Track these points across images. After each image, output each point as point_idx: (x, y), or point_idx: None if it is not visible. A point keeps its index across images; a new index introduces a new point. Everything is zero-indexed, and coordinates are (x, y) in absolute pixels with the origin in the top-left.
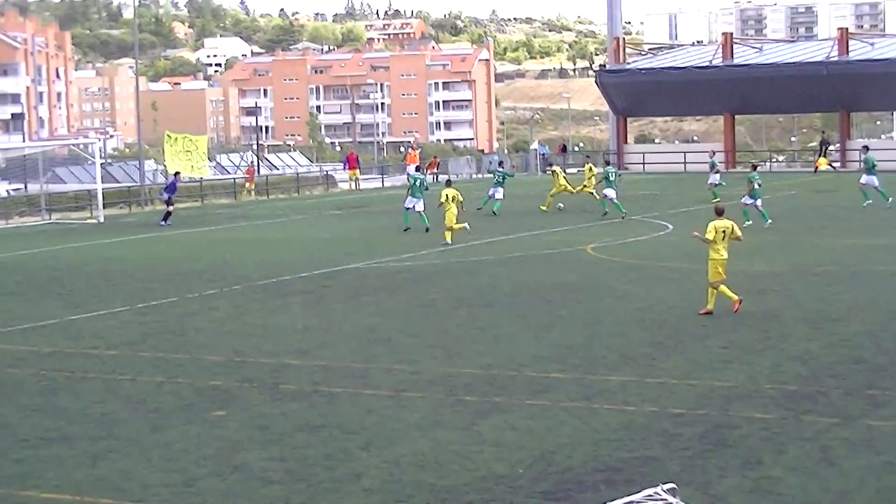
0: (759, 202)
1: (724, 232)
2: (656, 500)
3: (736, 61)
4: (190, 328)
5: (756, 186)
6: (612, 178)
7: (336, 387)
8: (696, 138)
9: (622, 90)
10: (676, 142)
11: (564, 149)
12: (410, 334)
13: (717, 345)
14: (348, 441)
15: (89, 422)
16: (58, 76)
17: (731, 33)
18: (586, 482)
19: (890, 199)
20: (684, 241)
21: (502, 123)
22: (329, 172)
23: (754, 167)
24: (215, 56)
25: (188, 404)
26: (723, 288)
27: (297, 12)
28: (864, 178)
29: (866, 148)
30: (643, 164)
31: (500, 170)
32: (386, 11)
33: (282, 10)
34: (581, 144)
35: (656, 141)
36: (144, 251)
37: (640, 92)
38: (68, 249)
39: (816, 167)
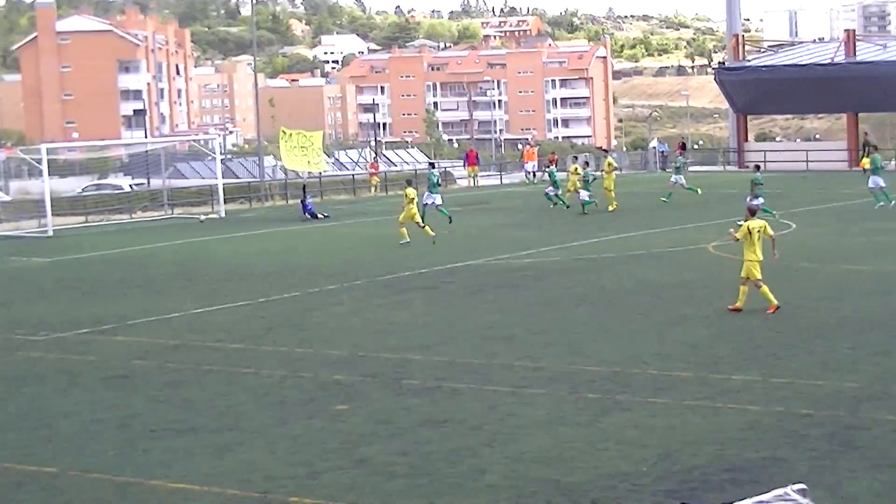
0: (760, 201)
1: (757, 232)
2: (786, 500)
3: (859, 58)
4: (312, 323)
5: (759, 186)
6: (589, 181)
7: (458, 382)
8: (817, 136)
9: (742, 88)
10: (798, 140)
11: (684, 146)
12: (532, 331)
13: (844, 345)
14: (471, 437)
15: (215, 414)
16: (178, 73)
17: (854, 30)
18: (712, 481)
19: (893, 201)
20: (808, 240)
21: (620, 121)
22: (447, 169)
23: (757, 167)
24: (332, 53)
25: (311, 398)
26: (764, 289)
27: (412, 9)
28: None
29: (875, 147)
30: (764, 162)
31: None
32: (502, 9)
33: (398, 7)
34: (701, 142)
35: (777, 139)
36: (265, 246)
37: (760, 89)
38: (191, 244)
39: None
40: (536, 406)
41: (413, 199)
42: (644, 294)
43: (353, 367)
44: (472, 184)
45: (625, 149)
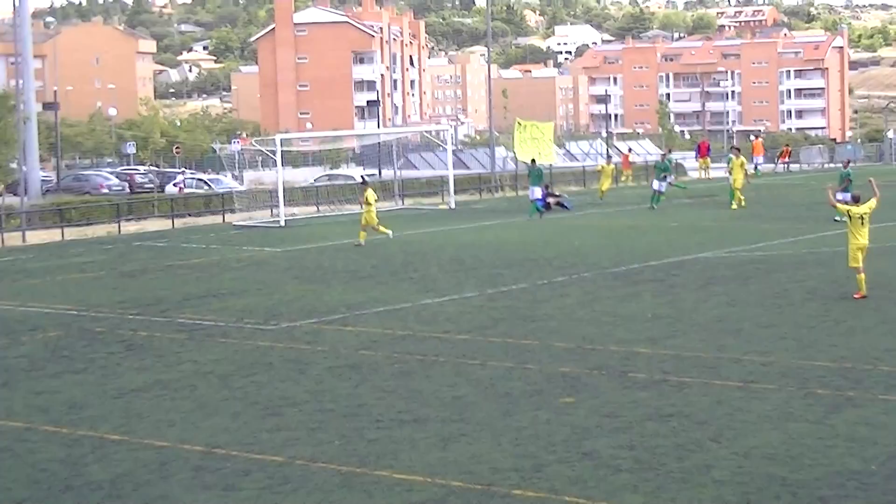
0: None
1: (860, 218)
2: None
3: None
4: (540, 314)
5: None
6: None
7: (685, 376)
8: None
9: None
10: None
11: None
12: (761, 325)
13: None
14: (698, 431)
15: (441, 405)
16: (412, 64)
17: None
18: None
19: None
20: None
21: (855, 112)
22: (678, 161)
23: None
24: (565, 44)
25: (537, 390)
26: (860, 276)
27: (647, 0)
28: None
29: None
30: None
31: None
32: None
33: None
34: None
35: None
36: (495, 237)
37: None
38: (421, 234)
39: None
40: (765, 401)
41: (372, 202)
42: (878, 289)
43: (580, 359)
44: (703, 175)
45: (860, 140)
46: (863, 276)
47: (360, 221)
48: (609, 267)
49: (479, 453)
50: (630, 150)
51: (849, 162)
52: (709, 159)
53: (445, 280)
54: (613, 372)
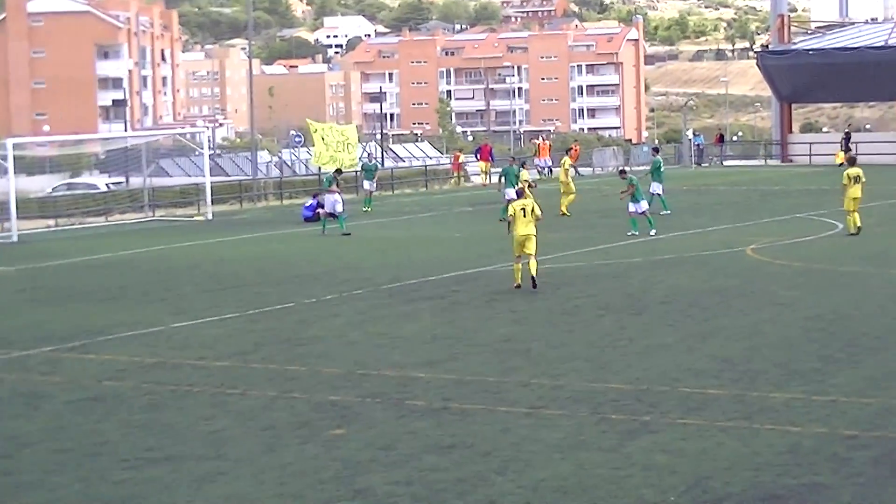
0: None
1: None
2: None
3: None
4: (307, 337)
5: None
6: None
7: (468, 403)
8: (868, 127)
9: (787, 73)
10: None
11: (722, 139)
12: (551, 345)
13: (894, 358)
14: (482, 464)
15: (196, 440)
16: (163, 59)
17: None
18: None
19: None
20: (858, 243)
21: (652, 110)
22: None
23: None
24: (336, 37)
25: (304, 421)
26: (852, 217)
27: None
28: None
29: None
30: (809, 155)
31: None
32: None
33: None
34: (741, 133)
35: (824, 130)
36: (257, 252)
37: (806, 75)
38: (174, 249)
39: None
40: (555, 429)
41: None
42: (675, 303)
43: (352, 386)
44: (486, 181)
45: (657, 141)
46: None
47: None
48: (384, 283)
49: (238, 493)
50: (462, 149)
51: (656, 150)
52: (491, 163)
53: (201, 300)
54: (389, 400)
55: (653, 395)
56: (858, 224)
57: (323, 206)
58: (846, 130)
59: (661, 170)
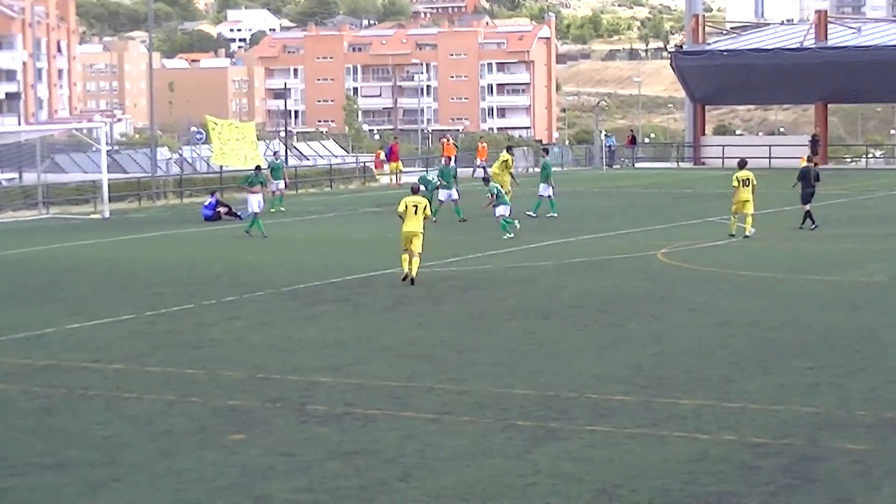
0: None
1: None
2: None
3: (830, 43)
4: (206, 340)
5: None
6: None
7: (372, 408)
8: (782, 129)
9: (700, 74)
10: (760, 133)
11: (634, 140)
12: (457, 349)
13: (803, 365)
14: (385, 470)
15: (89, 446)
16: (59, 51)
17: (826, 11)
18: None
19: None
20: (770, 248)
21: (563, 111)
22: (367, 164)
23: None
24: (239, 30)
25: (203, 427)
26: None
27: None
28: None
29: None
30: (722, 158)
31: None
32: None
33: None
34: (653, 135)
35: (738, 132)
36: (156, 251)
37: (720, 77)
38: (69, 248)
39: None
40: (460, 435)
41: None
42: (584, 308)
43: (252, 390)
44: (393, 182)
45: (567, 142)
46: (406, 256)
47: None
48: (286, 285)
49: (133, 500)
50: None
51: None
52: (401, 163)
53: (97, 301)
54: (290, 405)
55: (560, 402)
56: (748, 231)
57: (225, 206)
58: (813, 133)
59: (551, 171)
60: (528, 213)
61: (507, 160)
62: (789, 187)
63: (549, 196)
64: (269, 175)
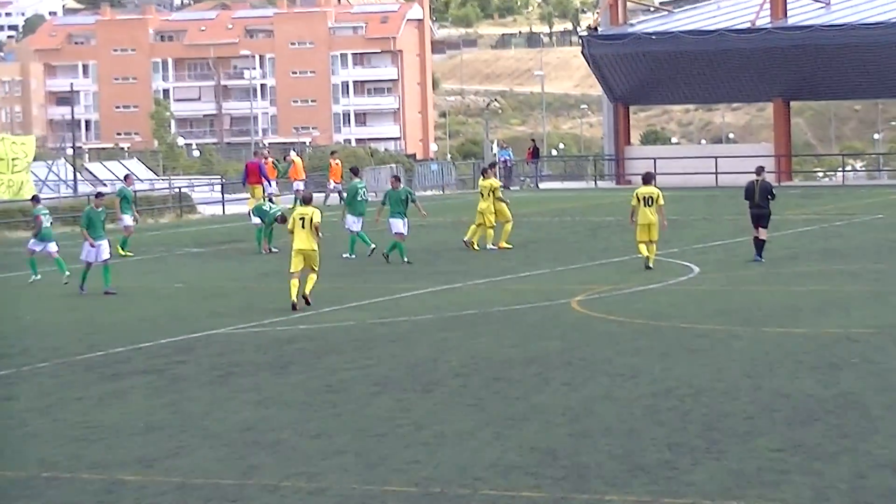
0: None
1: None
2: None
3: (791, 22)
4: None
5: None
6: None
7: None
8: (732, 136)
9: (622, 65)
10: (703, 141)
11: (536, 153)
12: (309, 434)
13: (768, 446)
14: None
15: None
16: None
17: None
18: None
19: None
20: (718, 291)
21: (443, 115)
22: (184, 190)
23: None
24: (9, 14)
25: None
26: (642, 247)
27: None
28: None
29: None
30: (654, 174)
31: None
32: None
33: None
34: (562, 146)
35: (673, 140)
36: None
37: (647, 68)
38: None
39: None
40: None
41: None
42: (477, 375)
43: (36, 495)
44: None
45: (449, 157)
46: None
47: None
48: (79, 353)
49: None
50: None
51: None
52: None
53: None
54: None
55: (448, 500)
56: (650, 257)
57: None
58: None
59: (362, 198)
60: (344, 256)
61: (494, 188)
62: (740, 212)
63: (357, 231)
64: (116, 205)
